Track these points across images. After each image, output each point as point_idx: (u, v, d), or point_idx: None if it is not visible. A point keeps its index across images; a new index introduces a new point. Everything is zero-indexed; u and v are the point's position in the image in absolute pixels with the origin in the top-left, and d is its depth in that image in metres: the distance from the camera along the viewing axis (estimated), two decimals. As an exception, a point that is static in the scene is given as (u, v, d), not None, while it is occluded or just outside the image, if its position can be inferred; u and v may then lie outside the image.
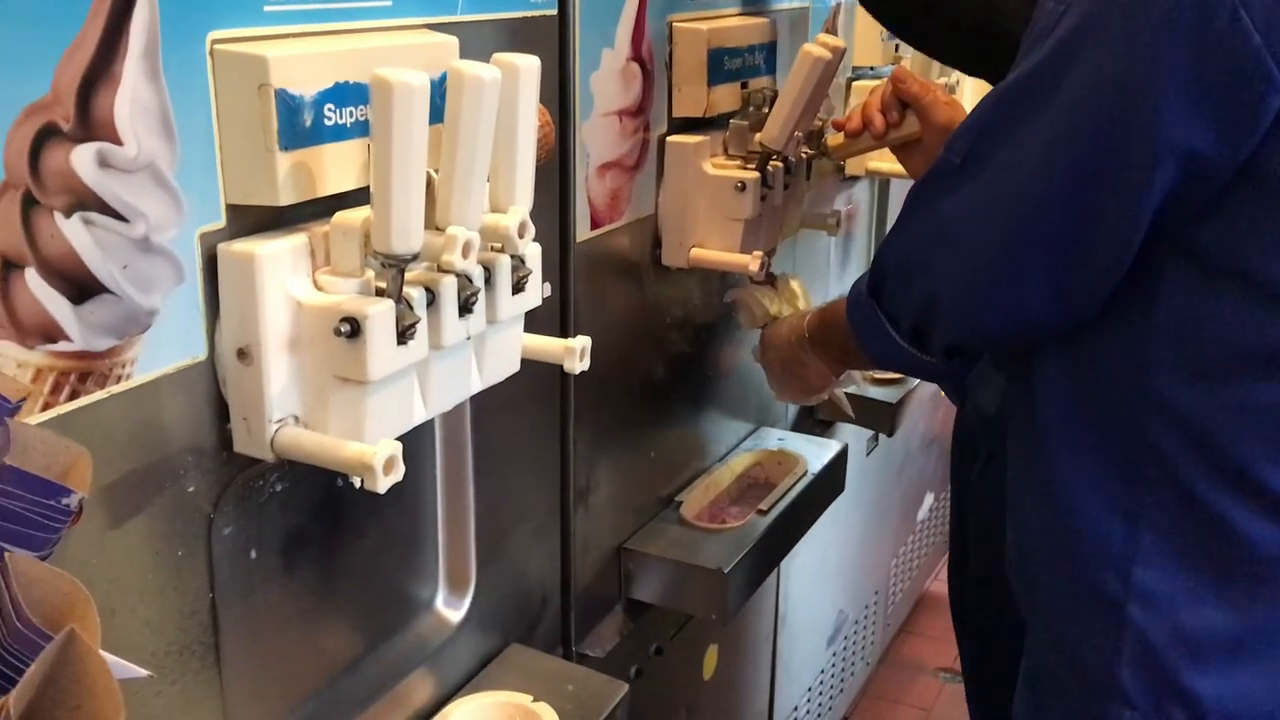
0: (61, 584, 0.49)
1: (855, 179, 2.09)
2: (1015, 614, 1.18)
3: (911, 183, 1.45)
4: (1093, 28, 0.92)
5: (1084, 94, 0.93)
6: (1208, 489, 0.98)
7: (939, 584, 3.30)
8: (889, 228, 2.41)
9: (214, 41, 0.80)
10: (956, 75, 2.05)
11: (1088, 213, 0.95)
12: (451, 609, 1.20)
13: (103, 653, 0.45)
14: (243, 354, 0.83)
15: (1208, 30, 0.86)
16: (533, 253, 0.97)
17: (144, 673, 0.50)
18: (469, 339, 0.94)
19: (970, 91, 2.29)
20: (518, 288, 0.97)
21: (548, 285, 1.19)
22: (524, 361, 1.04)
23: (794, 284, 1.57)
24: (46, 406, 0.74)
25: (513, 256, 0.95)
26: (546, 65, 0.99)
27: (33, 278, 0.71)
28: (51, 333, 0.73)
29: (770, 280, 1.56)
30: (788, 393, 1.52)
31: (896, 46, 2.02)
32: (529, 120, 0.92)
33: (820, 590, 2.30)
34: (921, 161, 1.38)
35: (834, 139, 1.47)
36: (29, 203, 0.70)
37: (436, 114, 0.82)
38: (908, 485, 2.76)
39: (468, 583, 1.20)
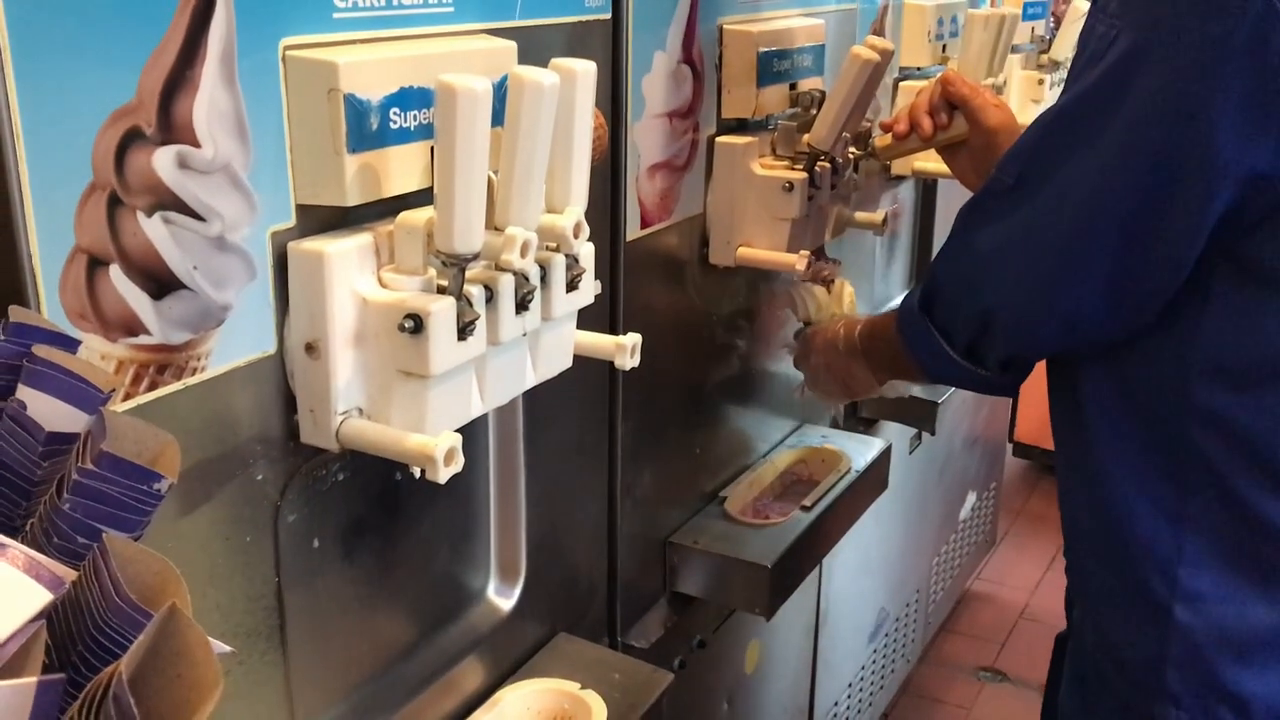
0: (154, 563, 0.52)
1: (901, 179, 2.10)
2: None
3: (957, 184, 1.46)
4: (1147, 52, 0.93)
5: (1141, 118, 0.93)
6: (1251, 492, 0.99)
7: (980, 583, 3.29)
8: (935, 228, 2.42)
9: (286, 48, 0.83)
10: (1004, 77, 2.05)
11: (1146, 232, 0.96)
12: (502, 598, 1.23)
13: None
14: (311, 348, 0.86)
15: (1263, 53, 0.86)
16: (586, 252, 1.00)
17: (227, 648, 0.53)
18: (525, 335, 0.97)
19: (1017, 93, 2.30)
20: (572, 286, 0.99)
21: (598, 283, 1.22)
22: (574, 358, 1.07)
23: (847, 289, 1.59)
24: (127, 397, 0.77)
25: (567, 255, 0.98)
26: (600, 68, 1.01)
27: (116, 274, 0.75)
28: (133, 326, 0.77)
29: (827, 283, 1.57)
30: (828, 395, 1.53)
31: (944, 47, 2.03)
32: (585, 123, 0.94)
33: (862, 587, 2.31)
34: (967, 163, 1.39)
35: (881, 140, 1.48)
36: (114, 202, 0.74)
37: (496, 117, 0.85)
38: (950, 484, 2.76)
39: (518, 573, 1.23)
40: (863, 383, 1.42)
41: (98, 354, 0.75)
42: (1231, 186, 0.90)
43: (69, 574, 0.53)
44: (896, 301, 1.62)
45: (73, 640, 0.51)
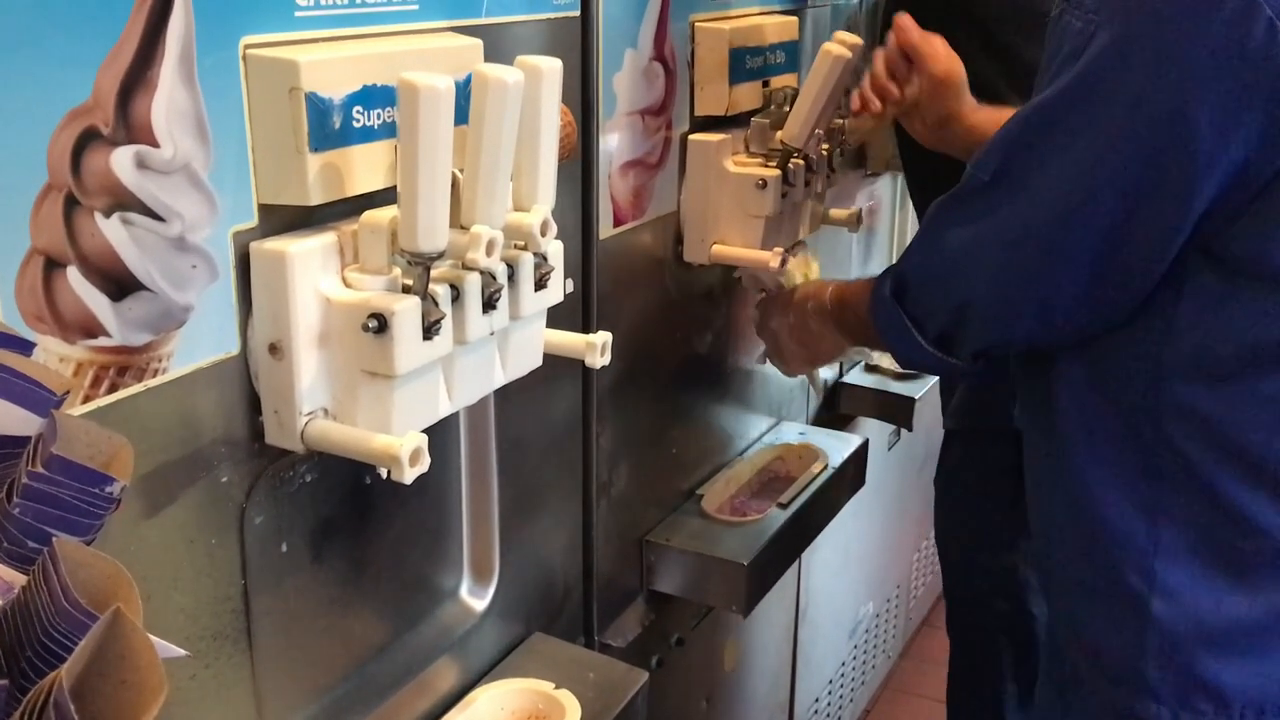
0: (105, 567, 0.51)
1: (877, 175, 2.10)
2: None
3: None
4: (1127, 47, 0.92)
5: (1122, 114, 0.93)
6: (1224, 482, 0.99)
7: (962, 579, 3.30)
8: (910, 225, 2.41)
9: (246, 46, 0.82)
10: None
11: (1128, 230, 0.96)
12: (476, 598, 1.23)
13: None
14: (274, 349, 0.86)
15: (1245, 46, 0.86)
16: (555, 250, 1.00)
17: (182, 652, 0.52)
18: (492, 334, 0.96)
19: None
20: (540, 284, 0.99)
21: (570, 282, 1.21)
22: (547, 356, 1.06)
23: (813, 264, 1.56)
24: (87, 399, 0.77)
25: (535, 254, 0.98)
26: (570, 66, 1.00)
27: (74, 275, 0.74)
28: (92, 328, 0.76)
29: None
30: (789, 361, 1.50)
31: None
32: (551, 121, 0.94)
33: (842, 583, 2.32)
34: (919, 123, 1.41)
35: (852, 122, 1.49)
36: (71, 203, 0.73)
37: (461, 115, 0.84)
38: (929, 480, 2.76)
39: (491, 573, 1.23)
40: (830, 347, 1.40)
41: (56, 356, 0.74)
42: (1213, 181, 0.90)
43: (18, 579, 0.53)
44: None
45: (21, 645, 0.50)
